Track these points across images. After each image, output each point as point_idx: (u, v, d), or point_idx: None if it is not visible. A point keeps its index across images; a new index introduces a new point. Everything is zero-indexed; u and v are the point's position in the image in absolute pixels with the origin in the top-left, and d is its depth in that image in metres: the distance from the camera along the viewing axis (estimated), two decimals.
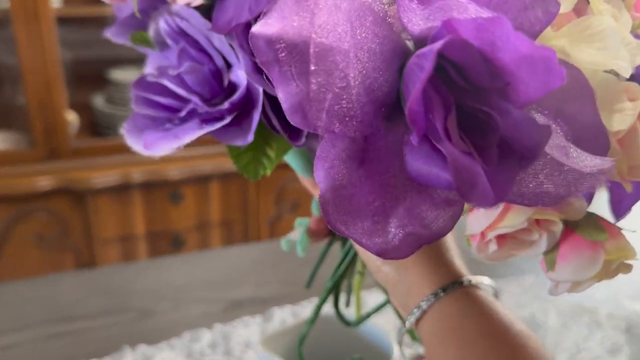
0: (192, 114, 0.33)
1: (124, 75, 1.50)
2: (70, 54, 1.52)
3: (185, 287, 0.81)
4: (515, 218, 0.31)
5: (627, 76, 0.25)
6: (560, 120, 0.21)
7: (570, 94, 0.21)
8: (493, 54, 0.18)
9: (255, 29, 0.19)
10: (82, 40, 1.63)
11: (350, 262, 0.46)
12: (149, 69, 0.36)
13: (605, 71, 0.25)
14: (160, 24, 0.33)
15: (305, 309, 0.75)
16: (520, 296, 0.81)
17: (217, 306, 0.77)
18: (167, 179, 1.43)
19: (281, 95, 0.19)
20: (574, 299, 0.81)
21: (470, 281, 0.36)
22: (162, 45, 0.34)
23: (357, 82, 0.19)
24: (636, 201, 0.32)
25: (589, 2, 0.26)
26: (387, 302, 0.47)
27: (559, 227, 0.32)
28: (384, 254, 0.21)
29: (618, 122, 0.25)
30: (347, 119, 0.20)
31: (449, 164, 0.18)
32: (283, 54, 0.19)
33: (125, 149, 1.31)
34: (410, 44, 0.21)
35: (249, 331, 0.71)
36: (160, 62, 0.35)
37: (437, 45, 0.17)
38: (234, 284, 0.82)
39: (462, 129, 0.20)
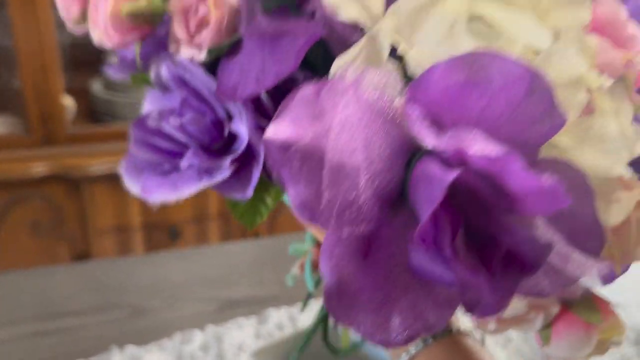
0: (192, 164, 0.33)
1: None
2: (67, 37, 1.48)
3: (179, 284, 0.78)
4: (516, 305, 0.33)
5: (625, 174, 0.26)
6: (559, 219, 0.22)
7: (572, 194, 0.21)
8: (501, 183, 0.18)
9: (269, 133, 0.19)
10: None
11: None
12: (148, 106, 0.36)
13: None
14: (162, 70, 0.33)
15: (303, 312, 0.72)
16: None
17: (211, 305, 0.74)
18: None
19: (291, 193, 0.20)
20: None
21: (459, 329, 0.36)
22: (163, 88, 0.34)
23: (366, 188, 0.20)
24: (623, 273, 0.33)
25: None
26: None
27: (554, 309, 0.33)
28: (385, 344, 0.21)
29: (615, 213, 0.26)
30: (355, 218, 0.20)
31: (456, 282, 0.19)
32: (295, 160, 0.19)
33: (122, 137, 1.29)
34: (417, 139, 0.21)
35: (242, 333, 0.69)
36: (159, 101, 0.35)
37: (449, 177, 0.18)
38: (230, 283, 0.79)
39: (468, 240, 0.20)
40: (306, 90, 0.20)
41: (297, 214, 0.20)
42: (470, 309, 0.20)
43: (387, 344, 0.21)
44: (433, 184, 0.19)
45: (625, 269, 0.31)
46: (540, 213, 0.19)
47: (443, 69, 0.20)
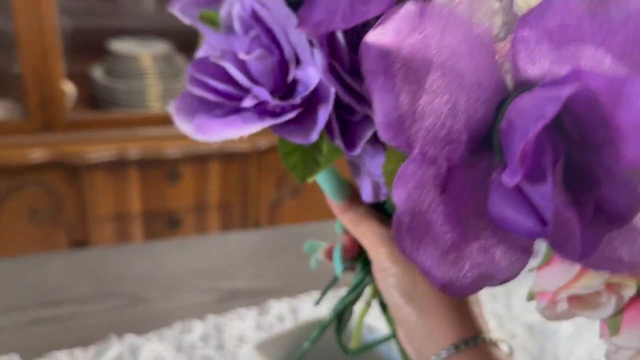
0: (255, 104, 0.31)
1: (124, 46, 1.45)
2: (69, 22, 1.47)
3: (178, 274, 0.77)
4: (593, 279, 0.30)
5: None
6: None
7: None
8: (614, 111, 0.17)
9: (370, 37, 0.18)
10: (82, 8, 1.57)
11: (362, 290, 0.43)
12: (204, 51, 0.35)
13: None
14: (235, 7, 0.31)
15: (304, 303, 0.71)
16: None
17: (211, 295, 0.73)
18: (166, 156, 1.39)
19: (379, 107, 0.19)
20: None
21: (491, 338, 0.35)
22: (229, 30, 0.33)
23: (460, 111, 0.19)
24: None
25: None
26: (392, 336, 0.44)
27: (629, 292, 0.31)
28: (448, 287, 0.21)
29: None
30: (442, 144, 0.19)
31: (551, 213, 0.18)
32: (396, 67, 0.19)
33: (123, 124, 1.28)
34: (510, 84, 0.20)
35: (243, 324, 0.68)
36: (221, 46, 0.34)
37: (566, 91, 0.17)
38: (230, 273, 0.78)
39: (564, 180, 0.19)
40: (410, 6, 0.19)
41: (381, 131, 0.19)
42: (558, 247, 0.19)
43: (450, 285, 0.20)
44: (545, 103, 0.18)
45: None
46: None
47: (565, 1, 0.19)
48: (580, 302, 0.32)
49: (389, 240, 0.37)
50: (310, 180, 0.34)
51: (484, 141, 0.21)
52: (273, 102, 0.30)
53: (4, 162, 1.27)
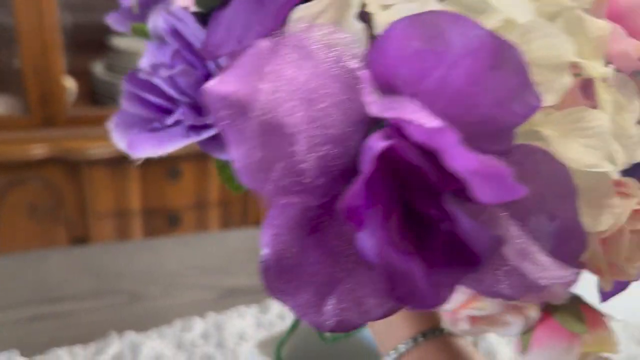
0: (179, 120, 0.32)
1: (125, 42, 1.44)
2: (70, 18, 1.46)
3: (179, 271, 0.77)
4: (488, 303, 0.30)
5: (612, 177, 0.24)
6: (536, 216, 0.20)
7: (551, 190, 0.20)
8: (444, 161, 0.16)
9: (209, 84, 0.17)
10: (82, 4, 1.57)
11: None
12: (145, 61, 0.35)
13: None
14: (159, 21, 0.32)
15: None
16: None
17: (211, 293, 0.73)
18: (166, 154, 1.39)
19: (233, 154, 0.18)
20: None
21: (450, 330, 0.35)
22: (160, 41, 0.33)
23: (308, 155, 0.18)
24: (620, 292, 0.30)
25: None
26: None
27: (535, 313, 0.31)
28: (317, 328, 0.20)
29: (605, 220, 0.24)
30: (295, 190, 0.18)
31: (381, 265, 0.18)
32: (236, 118, 0.18)
33: None
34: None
35: (244, 322, 0.68)
36: (157, 56, 0.34)
37: (378, 148, 0.17)
38: (231, 271, 0.78)
39: (408, 224, 0.19)
40: (262, 44, 0.18)
41: (241, 178, 0.19)
42: (400, 299, 0.19)
43: (317, 326, 0.20)
44: (367, 154, 0.18)
45: (621, 287, 0.29)
46: (488, 200, 0.17)
47: (400, 30, 0.18)
48: (486, 321, 0.32)
49: None
50: (242, 191, 0.35)
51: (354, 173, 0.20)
52: (193, 120, 0.31)
53: (4, 158, 1.27)
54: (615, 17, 0.25)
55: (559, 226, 0.20)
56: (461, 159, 0.16)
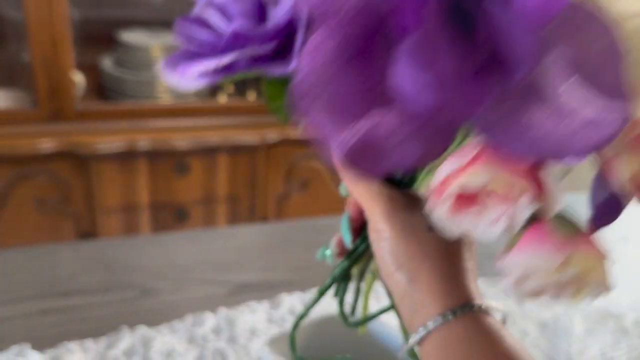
0: (232, 44, 0.32)
1: (134, 37, 1.44)
2: (79, 12, 1.46)
3: (189, 266, 0.76)
4: (478, 174, 0.27)
5: None
6: (581, 75, 0.19)
7: (596, 49, 0.19)
8: None
9: None
10: None
11: (361, 254, 0.42)
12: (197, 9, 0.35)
13: None
14: None
15: None
16: None
17: (222, 288, 0.72)
18: (174, 148, 1.38)
19: None
20: (600, 304, 0.76)
21: (480, 306, 0.34)
22: None
23: None
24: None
25: None
26: (392, 307, 0.43)
27: (524, 206, 0.28)
28: (336, 149, 0.21)
29: None
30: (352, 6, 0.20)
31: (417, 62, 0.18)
32: None
33: (132, 115, 1.27)
34: None
35: (255, 317, 0.67)
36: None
37: None
38: (241, 266, 0.77)
39: (451, 26, 0.19)
40: None
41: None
42: (441, 104, 0.19)
43: (336, 147, 0.21)
44: None
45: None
46: (533, 5, 0.17)
47: None
48: (469, 211, 0.29)
49: (386, 200, 0.35)
50: (288, 120, 0.34)
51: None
52: (248, 31, 0.31)
53: (12, 152, 1.27)
54: None
55: (601, 89, 0.20)
56: None
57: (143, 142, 1.35)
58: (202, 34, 0.32)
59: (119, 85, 1.41)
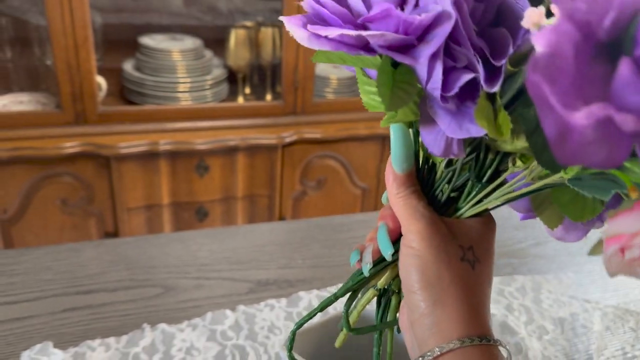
0: (378, 23, 0.31)
1: (154, 41, 1.46)
2: (101, 18, 1.49)
3: (208, 264, 0.77)
4: None
5: None
6: None
7: None
8: None
9: None
10: (113, 4, 1.59)
11: (377, 272, 0.42)
12: None
13: None
14: None
15: None
16: (561, 294, 0.76)
17: (241, 286, 0.73)
18: (194, 149, 1.40)
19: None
20: (618, 301, 0.76)
21: (495, 340, 0.36)
22: None
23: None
24: None
25: None
26: (395, 322, 0.44)
27: None
28: (560, 136, 0.22)
29: None
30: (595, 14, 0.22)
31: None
32: None
33: (153, 117, 1.29)
34: None
35: (273, 315, 0.68)
36: None
37: None
38: (259, 264, 0.78)
39: None
40: None
41: None
42: None
43: (561, 126, 0.22)
44: None
45: None
46: None
47: None
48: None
49: (425, 219, 0.36)
50: (397, 109, 0.33)
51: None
52: (399, 16, 0.30)
53: (37, 153, 1.30)
54: None
55: None
56: None
57: (164, 143, 1.37)
58: (335, 8, 0.32)
59: (140, 89, 1.43)
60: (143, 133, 1.37)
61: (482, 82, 0.30)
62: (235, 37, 1.51)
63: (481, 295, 0.37)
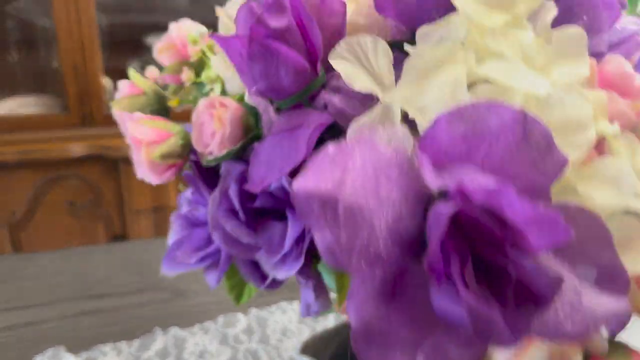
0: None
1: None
2: (106, 19, 1.48)
3: None
4: (538, 351, 0.31)
5: None
6: (580, 262, 0.23)
7: (589, 238, 0.23)
8: (502, 215, 0.20)
9: (295, 185, 0.21)
10: (118, 5, 1.59)
11: None
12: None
13: (628, 212, 0.26)
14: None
15: None
16: None
17: None
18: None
19: (316, 240, 0.21)
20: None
21: None
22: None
23: (382, 231, 0.21)
24: None
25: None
26: None
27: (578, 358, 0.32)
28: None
29: (636, 261, 0.26)
30: (374, 261, 0.21)
31: (465, 310, 0.20)
32: (317, 208, 0.21)
33: None
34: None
35: (285, 317, 0.67)
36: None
37: (447, 211, 0.20)
38: None
39: (480, 275, 0.21)
40: (329, 147, 0.22)
41: (324, 259, 0.22)
42: (483, 338, 0.21)
43: None
44: (435, 221, 0.21)
45: None
46: (544, 245, 0.20)
47: (445, 121, 0.22)
48: None
49: None
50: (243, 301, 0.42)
51: (423, 242, 0.23)
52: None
53: (44, 156, 1.29)
54: (605, 85, 0.30)
55: (602, 272, 0.23)
56: (520, 210, 0.19)
57: None
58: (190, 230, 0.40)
59: None
60: None
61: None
62: None
63: None
